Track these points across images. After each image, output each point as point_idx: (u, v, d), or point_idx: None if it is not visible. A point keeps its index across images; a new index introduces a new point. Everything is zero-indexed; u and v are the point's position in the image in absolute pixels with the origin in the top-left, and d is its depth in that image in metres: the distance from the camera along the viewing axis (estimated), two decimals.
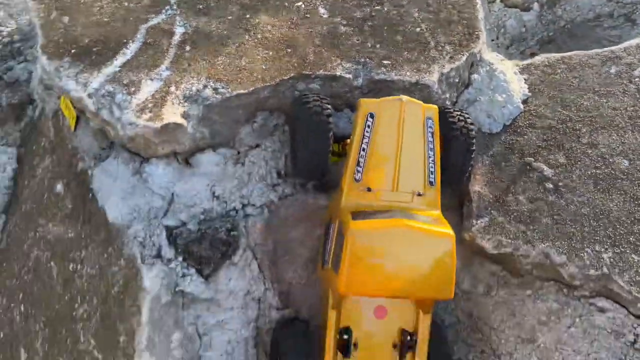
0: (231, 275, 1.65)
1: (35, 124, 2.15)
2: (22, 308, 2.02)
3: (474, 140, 1.58)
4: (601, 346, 1.49)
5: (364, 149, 1.53)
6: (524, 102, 1.86)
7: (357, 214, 1.44)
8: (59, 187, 1.92)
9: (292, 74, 1.68)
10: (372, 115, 1.53)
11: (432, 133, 1.52)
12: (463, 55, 1.74)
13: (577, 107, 1.82)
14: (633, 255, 1.49)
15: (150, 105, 1.57)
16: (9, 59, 2.28)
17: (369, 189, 1.51)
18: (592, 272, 1.48)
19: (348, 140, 1.61)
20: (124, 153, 1.69)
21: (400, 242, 1.40)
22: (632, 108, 1.78)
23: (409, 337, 1.50)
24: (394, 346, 1.53)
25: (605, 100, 1.82)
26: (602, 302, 1.51)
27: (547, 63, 1.96)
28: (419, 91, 1.69)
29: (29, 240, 2.04)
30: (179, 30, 1.81)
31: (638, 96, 1.81)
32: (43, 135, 2.07)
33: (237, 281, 1.66)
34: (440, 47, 1.76)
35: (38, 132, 2.12)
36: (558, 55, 1.98)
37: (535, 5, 2.36)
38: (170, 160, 1.64)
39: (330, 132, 1.51)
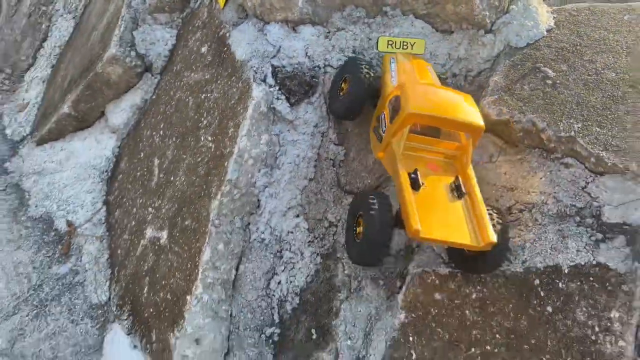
0: (308, 109, 2.38)
1: (194, 12, 3.03)
2: (162, 132, 2.87)
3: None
4: (560, 189, 2.03)
5: (393, 70, 2.21)
6: (548, 31, 2.43)
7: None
8: (204, 49, 2.77)
9: None
10: (393, 59, 2.28)
11: (432, 72, 2.29)
12: None
13: (588, 37, 2.36)
14: (596, 128, 2.02)
15: None
16: None
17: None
18: (562, 134, 2.03)
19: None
20: (253, 19, 2.49)
21: (440, 93, 2.05)
22: (631, 41, 2.29)
23: (458, 180, 1.97)
24: (452, 190, 1.98)
25: (612, 35, 2.35)
26: (568, 160, 2.05)
27: (575, 8, 2.52)
28: (464, 3, 2.33)
29: (174, 88, 2.90)
30: None
31: (635, 36, 2.32)
32: (198, 18, 2.94)
33: (311, 114, 2.38)
34: None
35: (194, 16, 2.99)
36: (586, 4, 2.53)
37: None
38: (283, 25, 2.41)
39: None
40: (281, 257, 2.37)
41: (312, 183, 2.41)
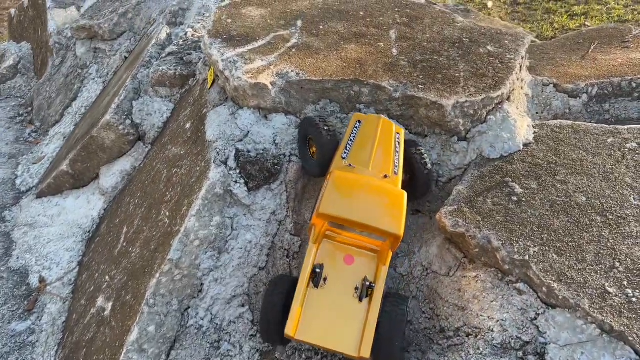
0: (267, 195, 2.33)
1: (191, 89, 3.14)
2: (137, 201, 2.89)
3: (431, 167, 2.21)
4: (509, 317, 1.85)
5: (351, 140, 2.15)
6: (525, 145, 2.33)
7: (340, 169, 2.05)
8: (188, 125, 2.82)
9: (351, 77, 2.39)
10: (359, 122, 2.20)
11: (399, 143, 2.15)
12: (480, 95, 2.31)
13: (566, 156, 2.25)
14: (553, 254, 1.86)
15: (253, 72, 2.40)
16: (192, 50, 3.37)
17: (350, 165, 2.08)
18: (517, 256, 1.88)
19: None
20: (230, 103, 2.53)
21: (365, 188, 1.95)
22: (610, 167, 2.16)
23: (368, 283, 1.91)
24: (356, 289, 1.92)
25: (591, 157, 2.22)
26: (521, 286, 1.88)
27: (558, 125, 2.42)
28: (437, 109, 2.29)
29: (157, 160, 2.95)
30: (293, 41, 2.67)
31: (620, 160, 2.19)
32: (191, 95, 3.04)
33: (269, 201, 2.33)
34: (466, 88, 2.36)
35: (189, 93, 3.09)
36: (570, 122, 2.43)
37: (584, 97, 2.80)
38: (255, 111, 2.43)
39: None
40: (218, 348, 2.24)
41: (262, 272, 2.32)
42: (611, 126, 2.37)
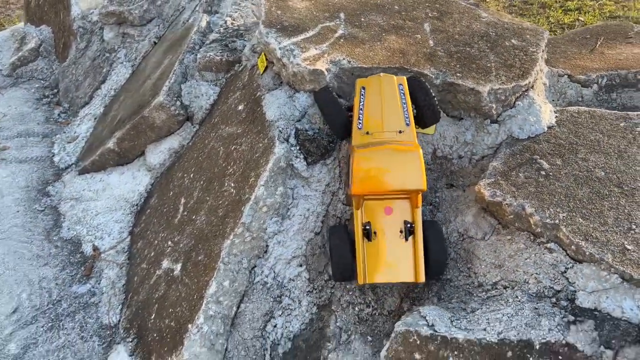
0: (322, 170, 2.64)
1: (237, 74, 3.41)
2: (192, 175, 3.17)
3: (430, 91, 2.45)
4: (542, 271, 2.19)
5: (361, 109, 2.43)
6: (549, 127, 2.67)
7: (360, 146, 2.34)
8: (240, 107, 3.11)
9: (397, 65, 2.70)
10: (363, 88, 2.46)
11: (403, 93, 2.40)
12: (511, 83, 2.63)
13: (585, 137, 2.59)
14: (579, 219, 2.21)
15: (310, 59, 2.70)
16: (235, 37, 3.64)
17: (367, 133, 2.38)
18: (548, 220, 2.22)
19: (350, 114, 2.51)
20: (286, 87, 2.83)
21: (384, 157, 2.25)
22: (623, 147, 2.51)
23: (409, 225, 2.31)
24: (400, 232, 2.34)
25: (607, 139, 2.57)
26: (551, 245, 2.23)
27: (577, 111, 2.77)
28: (474, 95, 2.61)
29: (209, 138, 3.23)
30: (339, 32, 2.96)
31: (632, 141, 2.54)
32: (240, 80, 3.31)
33: (324, 175, 2.64)
34: (498, 76, 2.68)
35: (236, 78, 3.37)
36: (587, 108, 2.77)
37: (595, 87, 3.15)
38: (310, 95, 2.73)
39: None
40: (280, 302, 2.55)
41: (317, 237, 2.63)
42: (622, 112, 2.71)
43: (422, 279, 2.31)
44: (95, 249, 3.49)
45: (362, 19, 3.10)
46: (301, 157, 2.58)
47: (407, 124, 2.41)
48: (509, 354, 2.03)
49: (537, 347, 2.00)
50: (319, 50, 2.75)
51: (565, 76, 3.19)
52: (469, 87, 2.60)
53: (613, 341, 1.90)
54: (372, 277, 2.32)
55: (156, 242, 3.09)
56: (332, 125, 2.52)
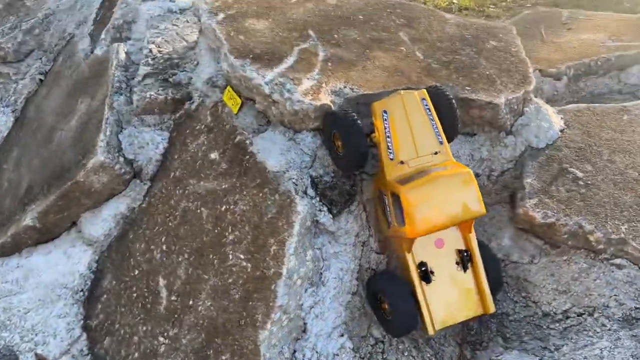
0: (349, 219, 2.26)
1: (191, 114, 2.84)
2: (164, 247, 2.58)
3: (453, 101, 2.20)
4: (619, 291, 2.06)
5: (388, 136, 2.12)
6: (561, 131, 2.56)
7: (401, 181, 2.02)
8: (214, 155, 2.57)
9: (403, 87, 2.39)
10: (385, 112, 2.13)
11: (429, 108, 2.12)
12: (521, 90, 2.47)
13: (599, 137, 2.52)
14: None
15: (310, 92, 2.28)
16: (172, 69, 3.04)
17: (401, 162, 2.08)
18: (613, 236, 2.09)
19: (373, 135, 2.18)
20: (279, 127, 2.37)
21: (437, 188, 1.96)
22: (634, 143, 2.48)
23: (465, 253, 2.07)
24: (457, 264, 2.09)
25: (619, 135, 2.53)
26: (619, 261, 2.10)
27: (576, 109, 2.70)
28: (491, 109, 2.40)
29: (176, 197, 2.65)
30: (321, 54, 2.57)
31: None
32: (198, 121, 2.76)
33: (352, 224, 2.26)
34: (504, 84, 2.50)
35: (192, 119, 2.81)
36: (584, 105, 2.72)
37: (565, 78, 3.14)
38: (315, 133, 2.31)
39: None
40: None
41: (355, 297, 2.26)
42: (618, 104, 2.70)
43: (492, 308, 2.08)
44: (41, 358, 2.73)
45: (336, 35, 2.74)
46: (325, 210, 2.18)
47: (441, 142, 2.13)
48: None
49: None
50: (314, 80, 2.35)
51: (537, 71, 3.14)
52: (486, 101, 2.39)
53: None
54: (443, 321, 2.07)
55: (137, 338, 2.46)
56: (352, 155, 2.14)
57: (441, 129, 2.14)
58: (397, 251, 2.17)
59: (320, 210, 2.18)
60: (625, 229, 2.12)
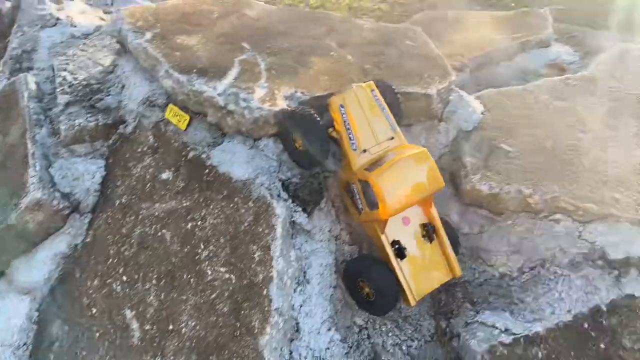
0: (320, 216, 2.34)
1: (127, 138, 2.73)
2: (125, 278, 2.45)
3: (395, 90, 2.43)
4: (562, 242, 2.37)
5: (348, 128, 2.26)
6: (482, 114, 2.88)
7: (368, 168, 2.17)
8: (166, 175, 2.51)
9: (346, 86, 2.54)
10: (342, 106, 2.27)
11: (378, 98, 2.30)
12: (446, 81, 2.74)
13: (514, 115, 2.87)
14: (568, 187, 2.45)
15: (266, 99, 2.33)
16: (96, 94, 2.89)
17: (364, 151, 2.23)
18: (548, 196, 2.41)
19: (331, 130, 2.29)
20: (237, 137, 2.39)
21: (401, 170, 2.13)
22: (548, 116, 2.87)
23: (428, 226, 2.26)
24: (423, 237, 2.28)
25: (529, 112, 2.90)
26: (557, 216, 2.42)
27: (488, 93, 3.05)
28: (425, 99, 2.64)
29: (127, 225, 2.53)
30: (262, 64, 2.63)
31: (550, 109, 2.92)
32: (139, 143, 2.66)
33: (323, 221, 2.34)
34: (431, 77, 2.75)
35: (131, 142, 2.70)
36: (495, 89, 3.08)
37: (467, 70, 3.51)
38: (276, 138, 2.37)
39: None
40: None
41: (336, 290, 2.33)
42: (521, 87, 3.10)
43: (459, 272, 2.30)
44: None
45: (269, 46, 2.81)
46: (300, 210, 2.24)
47: (394, 129, 2.30)
48: (585, 325, 2.16)
49: (605, 308, 2.17)
50: (265, 88, 2.41)
51: None
52: (421, 93, 2.62)
53: None
54: (420, 291, 2.24)
55: None
56: (315, 149, 2.21)
57: (392, 117, 2.31)
58: (371, 235, 2.29)
59: (295, 211, 2.23)
60: (557, 188, 2.45)
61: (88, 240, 2.63)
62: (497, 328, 2.19)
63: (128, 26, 2.77)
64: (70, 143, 2.71)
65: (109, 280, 2.47)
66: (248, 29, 2.98)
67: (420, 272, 2.25)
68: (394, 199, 2.09)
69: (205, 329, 2.15)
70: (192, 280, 2.26)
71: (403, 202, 2.11)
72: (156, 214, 2.45)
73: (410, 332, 2.39)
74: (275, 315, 2.03)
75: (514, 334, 2.15)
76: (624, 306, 2.15)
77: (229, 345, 2.08)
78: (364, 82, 2.30)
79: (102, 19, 3.89)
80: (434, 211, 2.30)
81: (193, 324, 2.18)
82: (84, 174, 2.70)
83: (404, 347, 2.34)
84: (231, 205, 2.26)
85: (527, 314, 2.22)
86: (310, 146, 2.19)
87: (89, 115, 2.76)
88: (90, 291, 2.50)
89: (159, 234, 2.41)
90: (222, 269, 2.19)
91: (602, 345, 2.11)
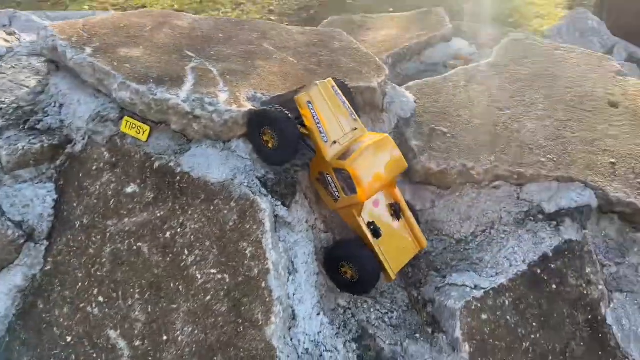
0: (297, 208, 2.45)
1: (77, 157, 2.62)
2: (101, 298, 2.37)
3: (348, 85, 2.62)
4: (505, 204, 2.71)
5: (318, 122, 2.39)
6: (415, 102, 3.17)
7: (341, 157, 2.34)
8: (132, 189, 2.46)
9: (302, 85, 2.68)
10: (309, 102, 2.40)
11: (338, 92, 2.47)
12: (382, 75, 2.99)
13: (442, 101, 3.21)
14: (502, 156, 2.81)
15: (231, 102, 2.40)
16: (33, 115, 2.73)
17: (334, 142, 2.39)
18: (487, 167, 2.74)
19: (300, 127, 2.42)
20: (205, 142, 2.42)
21: (371, 155, 2.33)
22: (468, 99, 3.24)
23: (395, 206, 2.51)
24: (392, 216, 2.50)
25: (453, 97, 3.26)
26: (496, 183, 2.76)
27: (417, 84, 3.36)
28: (370, 92, 2.86)
29: (95, 246, 2.45)
30: (214, 70, 2.68)
31: (469, 92, 3.30)
32: (94, 161, 2.58)
33: (300, 212, 2.46)
34: (368, 73, 2.99)
35: (81, 161, 2.60)
36: (421, 80, 3.40)
37: (387, 66, 3.82)
38: (245, 139, 2.44)
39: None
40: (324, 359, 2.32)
41: (320, 276, 2.46)
42: (441, 76, 3.46)
43: (426, 242, 2.57)
44: None
45: (212, 53, 2.87)
46: (280, 204, 2.34)
47: (355, 119, 2.50)
48: (538, 270, 2.50)
49: (552, 255, 2.53)
50: (226, 92, 2.47)
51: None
52: (366, 86, 2.84)
53: (584, 222, 2.61)
54: (397, 266, 2.46)
55: None
56: (288, 145, 2.32)
57: (352, 109, 2.50)
58: (346, 220, 2.45)
59: (277, 205, 2.32)
60: (493, 159, 2.79)
61: (48, 268, 2.50)
62: (467, 286, 2.45)
63: (64, 42, 2.67)
64: (14, 169, 2.55)
65: (83, 305, 2.37)
66: (186, 38, 3.01)
67: (394, 248, 2.46)
68: (370, 183, 2.27)
69: (205, 331, 2.16)
70: (180, 287, 2.25)
71: (378, 184, 2.31)
72: (127, 228, 2.40)
73: (388, 305, 2.57)
74: (277, 305, 2.11)
75: (483, 288, 2.43)
76: (565, 250, 2.52)
77: (234, 342, 2.11)
78: (325, 80, 2.46)
79: (7, 40, 3.65)
80: (397, 192, 2.52)
81: (190, 329, 2.18)
82: (33, 199, 2.56)
83: (386, 319, 2.52)
84: (212, 208, 2.29)
85: (489, 270, 2.51)
86: (283, 142, 2.30)
87: (31, 137, 2.61)
88: (61, 320, 2.38)
89: (134, 247, 2.37)
90: (213, 271, 2.22)
91: (553, 286, 2.46)
